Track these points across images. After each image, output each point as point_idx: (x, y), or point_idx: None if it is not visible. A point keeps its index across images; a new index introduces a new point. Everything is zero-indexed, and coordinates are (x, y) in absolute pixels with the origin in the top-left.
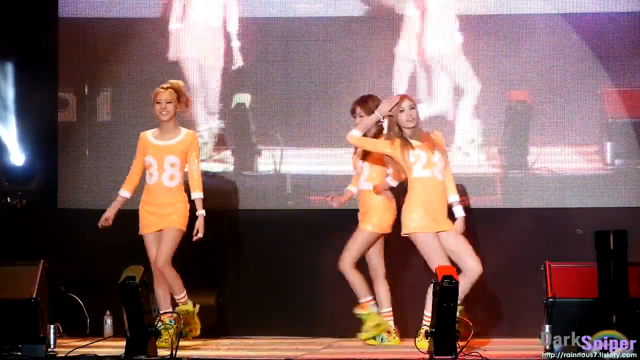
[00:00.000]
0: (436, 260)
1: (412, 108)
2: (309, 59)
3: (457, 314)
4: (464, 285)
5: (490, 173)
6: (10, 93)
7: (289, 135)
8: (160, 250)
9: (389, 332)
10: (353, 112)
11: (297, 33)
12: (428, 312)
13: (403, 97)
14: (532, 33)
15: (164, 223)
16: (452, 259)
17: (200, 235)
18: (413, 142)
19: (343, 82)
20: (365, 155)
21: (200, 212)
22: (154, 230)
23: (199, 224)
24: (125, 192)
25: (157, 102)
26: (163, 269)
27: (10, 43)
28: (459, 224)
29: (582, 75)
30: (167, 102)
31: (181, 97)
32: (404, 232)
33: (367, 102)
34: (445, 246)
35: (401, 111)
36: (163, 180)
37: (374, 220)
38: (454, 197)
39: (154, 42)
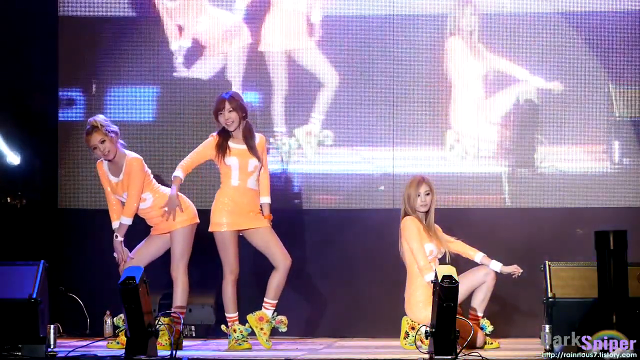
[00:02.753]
0: None
1: (428, 194)
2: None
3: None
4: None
5: (496, 172)
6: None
7: (292, 135)
8: None
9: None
10: (221, 109)
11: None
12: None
13: (421, 181)
14: (539, 32)
15: None
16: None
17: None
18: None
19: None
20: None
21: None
22: None
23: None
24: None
25: (94, 148)
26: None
27: (10, 42)
28: (508, 268)
29: (590, 73)
30: (101, 142)
31: (109, 131)
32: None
33: (234, 98)
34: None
35: (417, 195)
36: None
37: None
38: (478, 256)
39: (155, 40)
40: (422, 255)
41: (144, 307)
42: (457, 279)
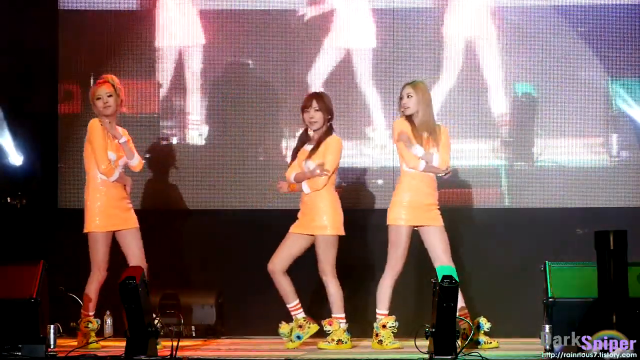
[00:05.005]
0: (391, 254)
1: (410, 97)
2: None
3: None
4: None
5: (494, 166)
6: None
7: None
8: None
9: (300, 326)
10: (307, 106)
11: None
12: (380, 310)
13: (406, 85)
14: (537, 25)
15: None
16: (430, 255)
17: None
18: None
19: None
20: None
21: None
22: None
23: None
24: None
25: (97, 99)
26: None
27: (9, 38)
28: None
29: (588, 67)
30: (109, 96)
31: (119, 92)
32: (387, 222)
33: (322, 97)
34: (425, 241)
35: (400, 99)
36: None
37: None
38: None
39: (155, 34)
40: (407, 153)
41: (144, 307)
42: (457, 279)
